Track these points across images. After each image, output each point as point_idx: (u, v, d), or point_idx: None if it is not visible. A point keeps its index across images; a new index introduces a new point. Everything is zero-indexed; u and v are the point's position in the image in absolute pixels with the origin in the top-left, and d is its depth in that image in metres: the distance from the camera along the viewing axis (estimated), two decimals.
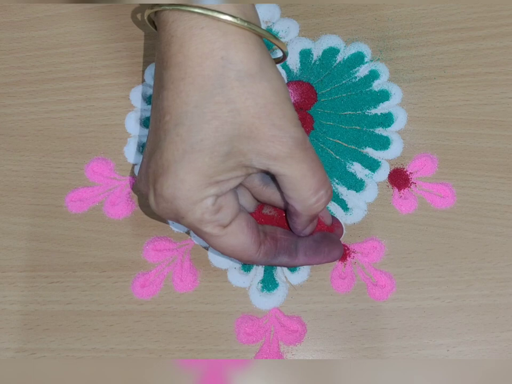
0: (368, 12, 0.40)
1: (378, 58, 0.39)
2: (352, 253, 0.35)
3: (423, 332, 0.33)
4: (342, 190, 0.36)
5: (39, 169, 0.37)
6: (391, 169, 0.37)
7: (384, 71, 0.39)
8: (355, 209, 0.36)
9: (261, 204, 0.33)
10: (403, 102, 0.38)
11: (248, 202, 0.33)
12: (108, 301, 0.34)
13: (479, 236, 0.35)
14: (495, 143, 0.37)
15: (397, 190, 0.36)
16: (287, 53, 0.31)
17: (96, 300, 0.34)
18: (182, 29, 0.27)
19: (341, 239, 0.34)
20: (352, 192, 0.36)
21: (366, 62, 0.39)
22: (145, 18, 0.30)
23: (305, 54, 0.40)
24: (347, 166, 0.37)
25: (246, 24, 0.27)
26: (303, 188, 0.29)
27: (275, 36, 0.29)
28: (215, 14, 0.27)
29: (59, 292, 0.34)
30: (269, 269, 0.35)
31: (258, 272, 0.35)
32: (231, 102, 0.27)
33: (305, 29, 0.40)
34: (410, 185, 0.36)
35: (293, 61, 0.40)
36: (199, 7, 0.27)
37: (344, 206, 0.36)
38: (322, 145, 0.37)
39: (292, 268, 0.35)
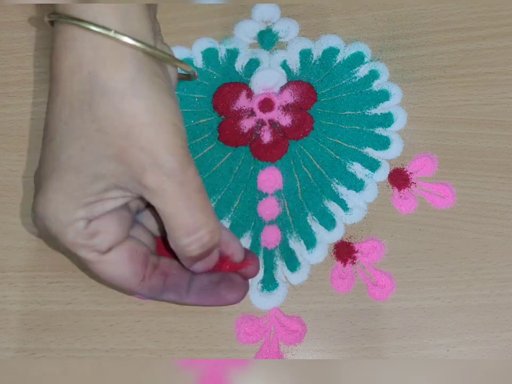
0: (368, 12, 0.40)
1: (378, 58, 0.39)
2: (352, 253, 0.35)
3: (423, 332, 0.33)
4: (342, 190, 0.36)
5: None
6: (391, 169, 0.37)
7: (384, 71, 0.39)
8: (355, 209, 0.36)
9: None
10: (403, 102, 0.38)
11: (156, 225, 0.31)
12: (107, 301, 0.34)
13: (479, 236, 0.35)
14: (495, 143, 0.37)
15: (397, 190, 0.36)
16: (193, 71, 0.28)
17: (96, 300, 0.34)
18: (59, 41, 0.26)
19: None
20: (352, 192, 0.36)
21: (366, 62, 0.39)
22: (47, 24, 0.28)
23: (305, 54, 0.40)
24: (347, 166, 0.37)
25: (121, 37, 0.24)
26: (174, 227, 0.27)
27: (168, 54, 0.26)
28: (85, 25, 0.24)
29: (59, 292, 0.34)
30: (269, 269, 0.35)
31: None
32: (98, 120, 0.25)
33: (305, 29, 0.40)
34: (410, 185, 0.36)
35: (293, 61, 0.40)
36: (71, 17, 0.25)
37: (344, 206, 0.36)
38: (322, 145, 0.37)
39: (292, 268, 0.35)
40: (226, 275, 0.31)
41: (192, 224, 0.27)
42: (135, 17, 0.26)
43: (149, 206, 0.30)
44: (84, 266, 0.28)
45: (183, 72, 0.29)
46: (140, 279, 0.29)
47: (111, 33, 0.24)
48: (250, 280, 0.34)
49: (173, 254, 0.30)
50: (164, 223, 0.27)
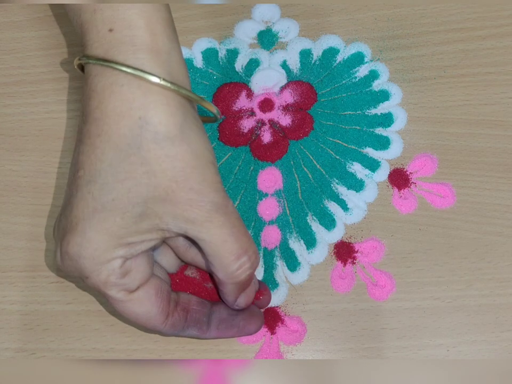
0: (368, 12, 0.40)
1: (378, 58, 0.39)
2: (352, 253, 0.35)
3: (423, 331, 0.33)
4: (342, 190, 0.36)
5: (39, 169, 0.37)
6: (391, 169, 0.37)
7: (384, 71, 0.39)
8: (355, 209, 0.36)
9: (185, 264, 0.32)
10: (403, 102, 0.38)
11: (169, 262, 0.32)
12: (108, 301, 0.34)
13: (479, 236, 0.35)
14: (495, 143, 0.37)
15: (397, 190, 0.36)
16: (218, 113, 0.30)
17: (96, 300, 0.34)
18: (102, 85, 0.26)
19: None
20: (352, 192, 0.36)
21: (366, 62, 0.39)
22: (75, 66, 0.29)
23: (305, 54, 0.40)
24: (347, 166, 0.37)
25: (169, 85, 0.26)
26: (224, 254, 0.28)
27: (203, 98, 0.28)
28: (136, 72, 0.26)
29: (59, 292, 0.34)
30: (269, 269, 0.35)
31: (258, 272, 0.35)
32: (146, 163, 0.26)
33: (305, 29, 0.40)
34: (410, 185, 0.36)
35: (293, 61, 0.40)
36: (121, 63, 0.26)
37: (344, 206, 0.36)
38: (322, 145, 0.37)
39: (292, 268, 0.35)
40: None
41: (240, 247, 0.28)
42: (175, 64, 0.27)
43: (163, 244, 0.31)
44: (111, 305, 0.29)
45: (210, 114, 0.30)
46: (165, 317, 0.29)
47: (161, 81, 0.26)
48: None
49: (188, 291, 0.31)
50: (211, 254, 0.28)
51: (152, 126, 0.26)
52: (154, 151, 0.26)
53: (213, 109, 0.29)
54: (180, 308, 0.30)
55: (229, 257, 0.28)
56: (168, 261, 0.32)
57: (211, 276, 0.31)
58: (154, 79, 0.26)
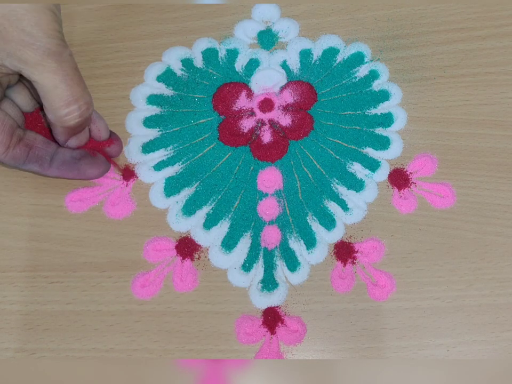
0: (368, 12, 0.40)
1: (378, 58, 0.39)
2: (352, 253, 0.35)
3: (423, 331, 0.33)
4: (342, 190, 0.36)
5: None
6: (391, 169, 0.37)
7: (384, 71, 0.39)
8: (355, 209, 0.36)
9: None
10: (403, 102, 0.38)
11: (24, 100, 0.34)
12: (107, 301, 0.34)
13: (479, 236, 0.35)
14: (495, 143, 0.37)
15: (397, 190, 0.36)
16: None
17: (96, 300, 0.34)
18: None
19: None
20: (352, 192, 0.36)
21: (366, 62, 0.39)
22: None
23: (305, 54, 0.40)
24: (347, 166, 0.37)
25: None
26: (54, 99, 0.29)
27: None
28: None
29: (59, 292, 0.34)
30: (269, 269, 0.35)
31: (258, 272, 0.35)
32: None
33: (305, 29, 0.40)
34: (410, 185, 0.36)
35: (293, 61, 0.40)
36: None
37: (344, 206, 0.36)
38: (322, 145, 0.37)
39: (292, 268, 0.35)
40: (88, 152, 0.34)
41: (71, 95, 0.30)
42: None
43: (19, 82, 0.33)
44: None
45: None
46: (5, 148, 0.32)
47: None
48: (254, 280, 0.34)
49: (40, 131, 0.34)
50: (43, 96, 0.29)
51: None
52: None
53: None
54: (23, 144, 0.32)
55: (58, 102, 0.29)
56: (22, 99, 0.34)
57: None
58: None
